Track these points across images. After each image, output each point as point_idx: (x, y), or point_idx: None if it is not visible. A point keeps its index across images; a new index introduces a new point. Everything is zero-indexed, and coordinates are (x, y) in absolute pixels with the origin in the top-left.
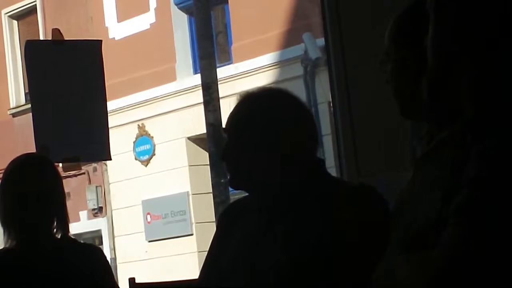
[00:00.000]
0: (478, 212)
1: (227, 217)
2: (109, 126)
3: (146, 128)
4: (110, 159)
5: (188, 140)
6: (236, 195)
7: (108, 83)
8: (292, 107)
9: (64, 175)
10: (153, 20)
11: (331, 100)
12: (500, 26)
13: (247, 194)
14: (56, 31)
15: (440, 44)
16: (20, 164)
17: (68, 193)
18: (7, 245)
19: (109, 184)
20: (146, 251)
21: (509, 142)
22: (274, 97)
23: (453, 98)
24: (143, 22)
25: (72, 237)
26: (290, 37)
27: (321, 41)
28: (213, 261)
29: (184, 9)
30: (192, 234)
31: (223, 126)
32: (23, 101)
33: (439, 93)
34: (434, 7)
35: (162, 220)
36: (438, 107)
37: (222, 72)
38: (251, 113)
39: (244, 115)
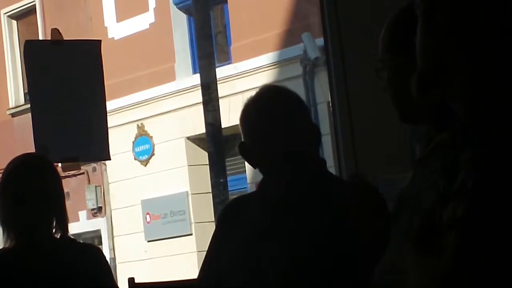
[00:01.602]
0: (480, 224)
1: (227, 216)
2: (109, 126)
3: (146, 128)
4: (110, 159)
5: (187, 140)
6: (235, 194)
7: (107, 83)
8: (303, 105)
9: (63, 175)
10: (152, 20)
11: (330, 100)
12: (494, 26)
13: (246, 193)
14: (55, 31)
15: (430, 44)
16: (20, 164)
17: (68, 193)
18: (6, 245)
19: (109, 184)
20: (146, 251)
21: (498, 147)
22: (290, 96)
23: (445, 98)
24: (142, 22)
25: (72, 237)
26: (289, 37)
27: (320, 41)
28: (212, 260)
29: (184, 9)
30: (191, 234)
31: (223, 127)
32: (22, 101)
33: (428, 92)
34: (423, 7)
35: (161, 220)
36: (432, 107)
37: (221, 72)
38: (285, 108)
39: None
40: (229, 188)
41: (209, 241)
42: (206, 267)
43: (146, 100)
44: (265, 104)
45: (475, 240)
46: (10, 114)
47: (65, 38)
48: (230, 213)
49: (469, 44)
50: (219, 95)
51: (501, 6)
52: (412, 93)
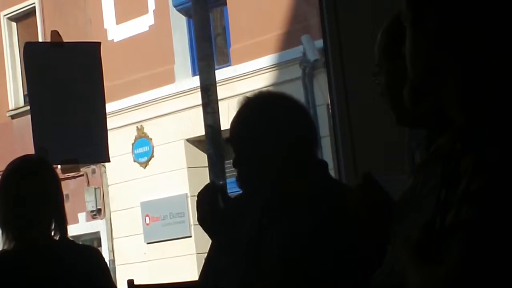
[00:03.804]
0: (487, 227)
1: (227, 217)
2: (108, 128)
3: (145, 130)
4: (109, 161)
5: (186, 142)
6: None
7: (106, 84)
8: (293, 109)
9: (62, 177)
10: (152, 22)
11: (329, 102)
12: (484, 29)
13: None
14: (55, 33)
15: (419, 54)
16: (19, 166)
17: (67, 195)
18: (5, 247)
19: (108, 186)
20: (145, 253)
21: (501, 150)
22: (274, 100)
23: (439, 105)
24: (142, 24)
25: (71, 239)
26: (289, 39)
27: (319, 43)
28: (212, 261)
29: (183, 11)
30: (190, 236)
31: (223, 129)
32: (22, 103)
33: (421, 101)
34: (410, 17)
35: (160, 222)
36: (427, 114)
37: (220, 74)
38: (253, 119)
39: (247, 121)
40: (228, 191)
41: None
42: (206, 267)
43: (145, 102)
44: (261, 108)
45: (483, 244)
46: (10, 116)
47: (64, 40)
48: (232, 211)
49: (458, 50)
50: (219, 97)
51: (489, 10)
52: (405, 103)
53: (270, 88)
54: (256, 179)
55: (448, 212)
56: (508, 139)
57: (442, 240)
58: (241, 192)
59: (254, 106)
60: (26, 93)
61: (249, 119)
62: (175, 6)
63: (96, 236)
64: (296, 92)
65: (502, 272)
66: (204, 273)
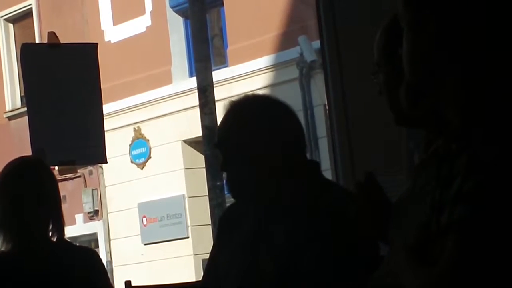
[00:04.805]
0: (479, 227)
1: (227, 219)
2: (105, 129)
3: (142, 131)
4: (106, 162)
5: (184, 143)
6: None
7: (104, 86)
8: (278, 111)
9: (60, 178)
10: (149, 23)
11: (326, 102)
12: (480, 30)
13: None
14: (52, 34)
15: (415, 56)
16: (16, 167)
17: (64, 196)
18: (2, 248)
19: (105, 187)
20: (142, 254)
21: (494, 150)
22: (259, 103)
23: (436, 106)
24: (139, 25)
25: (68, 240)
26: (286, 40)
27: (316, 44)
28: (213, 263)
29: (180, 12)
30: (188, 237)
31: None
32: (19, 104)
33: (418, 103)
34: (407, 19)
35: (158, 223)
36: (425, 114)
37: (217, 75)
38: (240, 122)
39: (234, 124)
40: (226, 191)
41: (212, 243)
42: (207, 270)
43: (142, 103)
44: (248, 111)
45: (475, 244)
46: (7, 117)
47: (61, 42)
48: (230, 216)
49: (455, 51)
50: (216, 98)
51: (486, 11)
52: (402, 105)
53: (267, 89)
54: (252, 181)
55: (442, 213)
56: (502, 139)
57: (438, 241)
58: (231, 194)
59: (241, 110)
60: (23, 94)
61: (236, 122)
62: (172, 7)
63: (93, 237)
64: (293, 93)
65: (494, 270)
66: (206, 275)
